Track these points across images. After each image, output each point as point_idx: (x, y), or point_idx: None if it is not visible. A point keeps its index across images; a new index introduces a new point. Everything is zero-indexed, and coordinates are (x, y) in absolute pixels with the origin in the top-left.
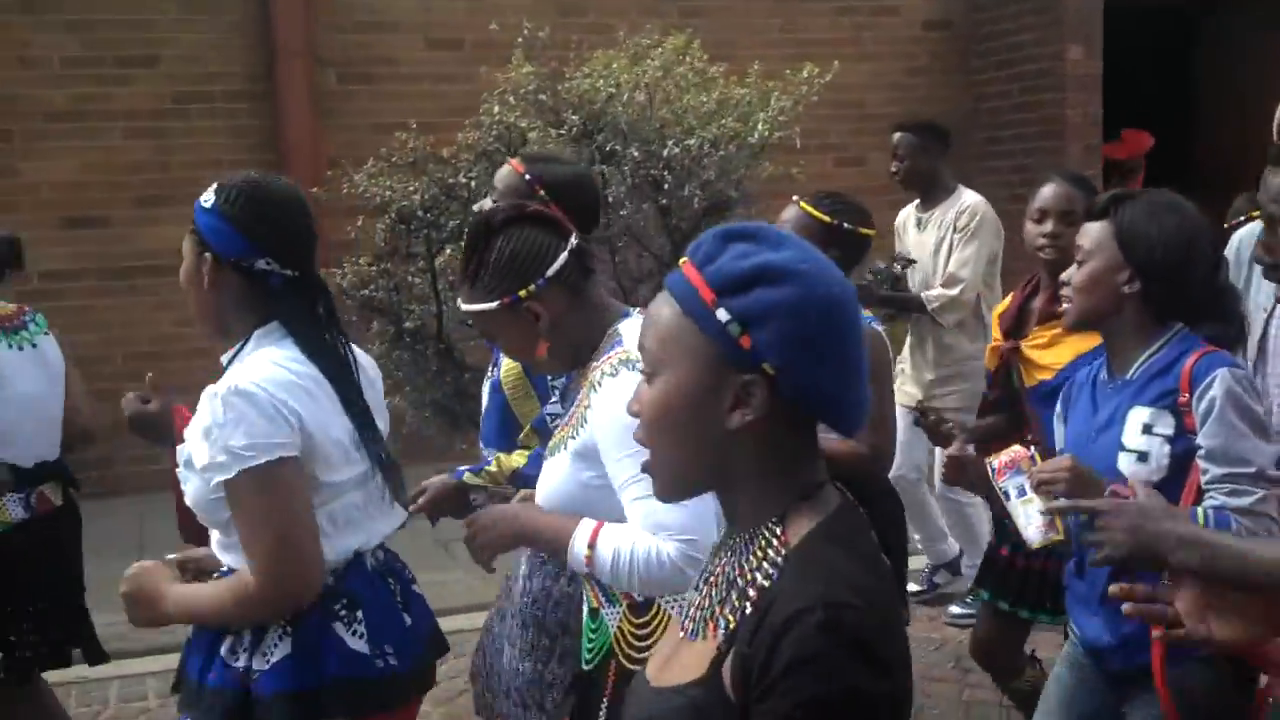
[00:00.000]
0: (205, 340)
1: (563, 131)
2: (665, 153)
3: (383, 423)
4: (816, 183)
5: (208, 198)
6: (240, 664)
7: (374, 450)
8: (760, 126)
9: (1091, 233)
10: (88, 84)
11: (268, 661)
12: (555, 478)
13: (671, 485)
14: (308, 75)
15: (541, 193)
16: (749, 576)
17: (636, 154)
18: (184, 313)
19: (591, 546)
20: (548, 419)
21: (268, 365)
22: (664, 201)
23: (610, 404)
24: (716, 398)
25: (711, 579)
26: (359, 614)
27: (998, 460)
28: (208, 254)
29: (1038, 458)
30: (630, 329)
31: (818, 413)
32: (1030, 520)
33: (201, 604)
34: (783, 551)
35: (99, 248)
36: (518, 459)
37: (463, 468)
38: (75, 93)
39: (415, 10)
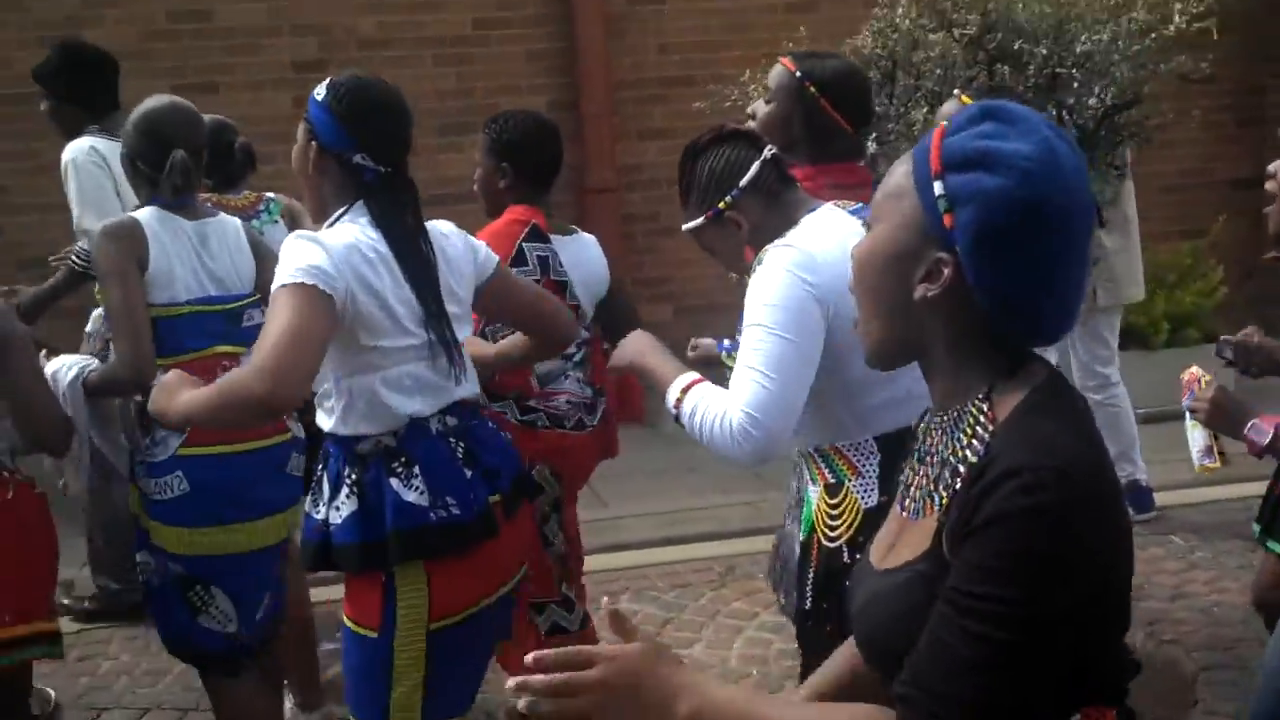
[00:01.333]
0: None
1: (959, 34)
2: (1078, 49)
3: (455, 306)
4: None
5: (320, 91)
6: (320, 515)
7: (435, 325)
8: (1175, 19)
9: None
10: (398, 12)
11: (340, 515)
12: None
13: (871, 349)
14: None
15: (811, 89)
16: (960, 454)
17: (1044, 50)
18: None
19: (680, 397)
20: None
21: (341, 232)
22: (1069, 101)
23: (753, 284)
24: (911, 265)
25: (927, 458)
26: (415, 470)
27: (1185, 375)
28: (314, 142)
29: (1203, 381)
30: (811, 220)
31: (992, 311)
32: (1194, 443)
33: (197, 401)
34: (990, 426)
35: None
36: None
37: (725, 342)
38: (384, 20)
39: None
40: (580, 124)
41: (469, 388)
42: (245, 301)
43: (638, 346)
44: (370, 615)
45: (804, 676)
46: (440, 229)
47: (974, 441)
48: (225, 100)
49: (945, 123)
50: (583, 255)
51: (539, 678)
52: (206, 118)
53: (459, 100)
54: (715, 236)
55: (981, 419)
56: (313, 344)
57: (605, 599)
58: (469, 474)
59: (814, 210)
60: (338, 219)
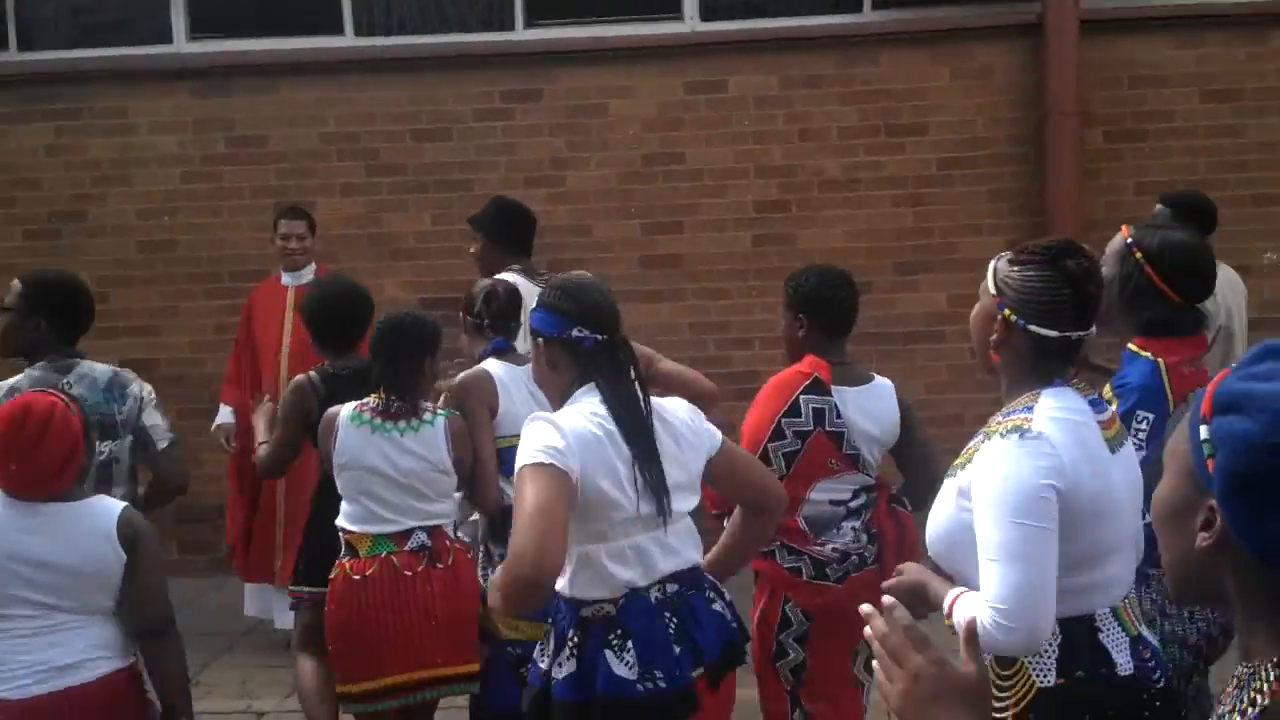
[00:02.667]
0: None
1: None
2: None
3: (679, 471)
4: None
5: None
6: (543, 665)
7: (656, 498)
8: None
9: None
10: (861, 153)
11: (561, 673)
12: (943, 500)
13: (1171, 585)
14: (1076, 134)
15: (1139, 256)
16: (1233, 718)
17: None
18: (940, 378)
19: (951, 606)
20: None
21: (573, 413)
22: None
23: (991, 466)
24: (1191, 515)
25: (1222, 707)
26: (629, 644)
27: None
28: (539, 339)
29: None
30: (1048, 401)
31: (1266, 561)
32: None
33: (497, 607)
34: (1262, 702)
35: (863, 312)
36: None
37: None
38: (849, 161)
39: (1190, 62)
40: None
41: (690, 556)
42: None
43: (913, 578)
44: None
45: None
46: (666, 404)
47: (1248, 708)
48: (688, 239)
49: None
50: (871, 404)
51: (889, 623)
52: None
53: (916, 240)
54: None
55: (1265, 688)
56: (553, 521)
57: (968, 616)
58: (678, 650)
59: (1056, 386)
60: (571, 397)
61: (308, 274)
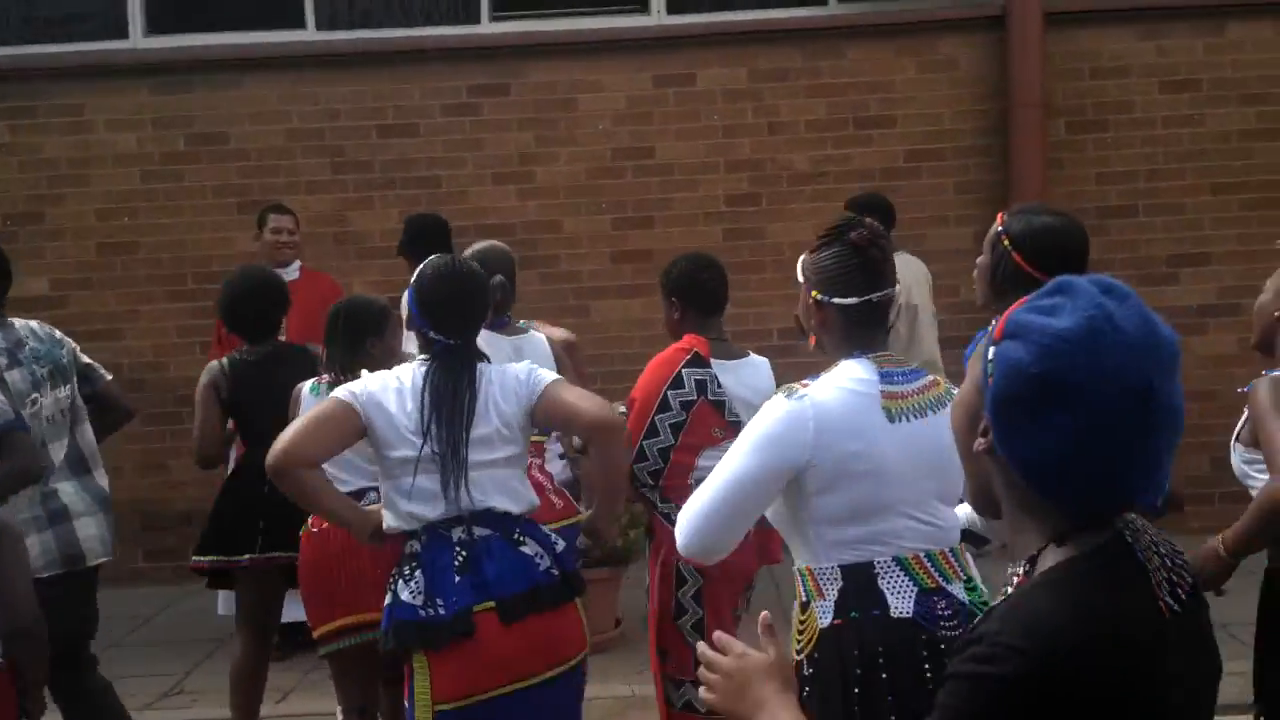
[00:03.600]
0: None
1: None
2: None
3: (496, 422)
4: None
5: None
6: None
7: (447, 446)
8: None
9: None
10: (829, 146)
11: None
12: None
13: (968, 491)
14: (1040, 125)
15: (1006, 243)
16: (984, 608)
17: None
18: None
19: None
20: None
21: (391, 372)
22: None
23: (758, 414)
24: (979, 418)
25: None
26: (418, 574)
27: None
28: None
29: None
30: (838, 370)
31: (1022, 476)
32: None
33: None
34: (1010, 589)
35: None
36: None
37: None
38: (818, 154)
39: (1150, 53)
40: None
41: (498, 502)
42: None
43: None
44: (404, 686)
45: None
46: (505, 368)
47: (997, 598)
48: (659, 234)
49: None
50: (748, 376)
51: (703, 648)
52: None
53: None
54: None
55: (1014, 581)
56: (321, 430)
57: (765, 613)
58: (456, 579)
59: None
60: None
61: (294, 270)
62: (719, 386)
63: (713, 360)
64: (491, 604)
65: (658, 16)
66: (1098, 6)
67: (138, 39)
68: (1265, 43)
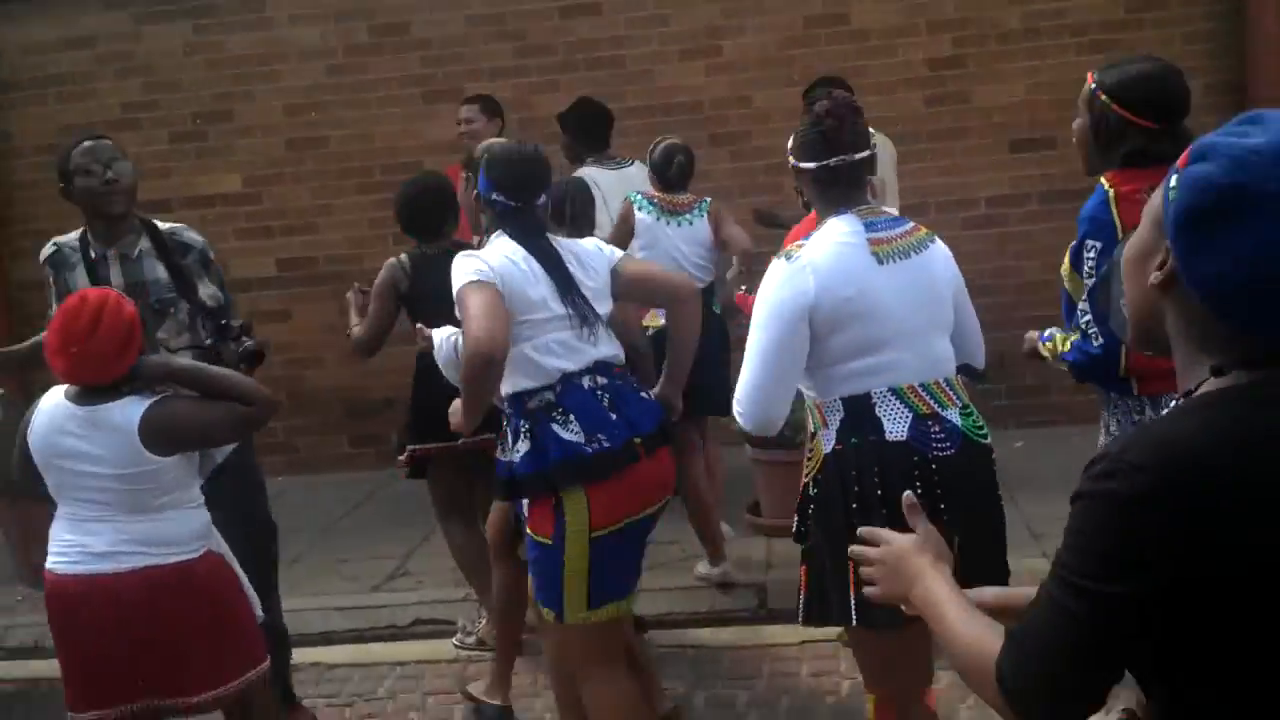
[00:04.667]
0: None
1: None
2: None
3: (591, 282)
4: None
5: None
6: (505, 458)
7: (573, 303)
8: None
9: None
10: (1040, 1)
11: (519, 456)
12: None
13: (1130, 328)
14: None
15: (1104, 97)
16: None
17: None
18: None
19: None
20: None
21: (492, 250)
22: None
23: (763, 283)
24: (1152, 256)
25: None
26: (571, 417)
27: None
28: (476, 191)
29: None
30: (826, 228)
31: (1204, 299)
32: None
33: (461, 399)
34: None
35: (1041, 170)
36: (1063, 345)
37: (1045, 333)
38: (1028, 9)
39: None
40: (1246, 107)
41: (607, 349)
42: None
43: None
44: (546, 527)
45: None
46: (573, 243)
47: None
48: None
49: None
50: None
51: (855, 549)
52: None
53: None
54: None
55: (1168, 407)
56: (501, 312)
57: (907, 492)
58: (614, 417)
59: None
60: (490, 240)
61: None
62: None
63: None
64: (639, 439)
65: None
66: None
67: None
68: None
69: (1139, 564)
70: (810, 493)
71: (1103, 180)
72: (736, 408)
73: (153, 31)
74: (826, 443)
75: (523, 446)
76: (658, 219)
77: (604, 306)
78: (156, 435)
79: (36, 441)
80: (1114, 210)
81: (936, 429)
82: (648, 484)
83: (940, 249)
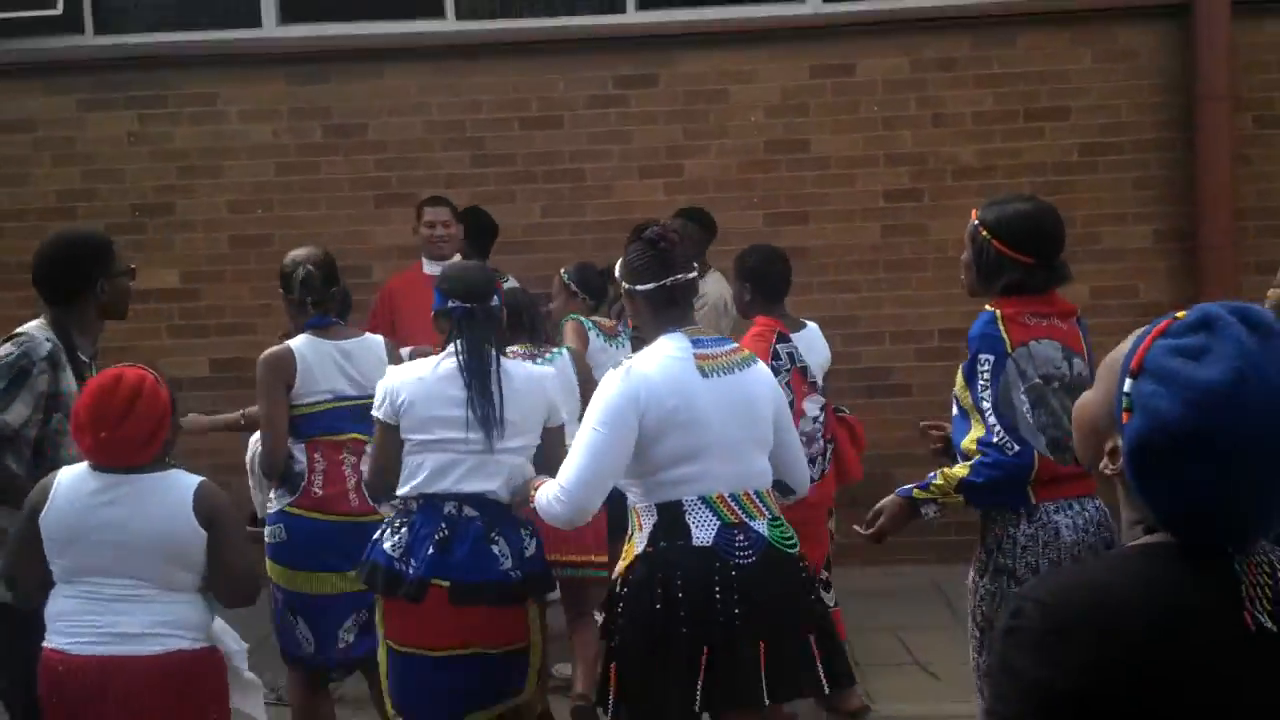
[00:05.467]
0: None
1: None
2: None
3: (513, 411)
4: None
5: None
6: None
7: (485, 424)
8: None
9: None
10: (998, 139)
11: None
12: None
13: (1083, 463)
14: (1228, 120)
15: (985, 233)
16: None
17: None
18: None
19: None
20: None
21: (418, 364)
22: None
23: (599, 387)
24: (1103, 437)
25: None
26: (403, 530)
27: None
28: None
29: None
30: (657, 345)
31: (1147, 505)
32: None
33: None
34: None
35: None
36: (960, 470)
37: (907, 486)
38: (985, 148)
39: None
40: (1196, 255)
41: (493, 489)
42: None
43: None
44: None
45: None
46: (513, 365)
47: None
48: (814, 230)
49: (1171, 319)
50: (813, 341)
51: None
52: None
53: None
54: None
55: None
56: (390, 453)
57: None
58: (430, 552)
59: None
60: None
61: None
62: (801, 356)
63: (790, 334)
64: (447, 583)
65: (814, 4)
66: None
67: (271, 28)
68: None
69: (1048, 702)
70: (619, 590)
71: (988, 305)
72: (558, 495)
73: (96, 119)
74: (639, 544)
75: (379, 533)
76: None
77: (516, 440)
78: (202, 507)
79: (61, 516)
80: (1002, 328)
81: (741, 537)
82: (443, 628)
83: (762, 370)
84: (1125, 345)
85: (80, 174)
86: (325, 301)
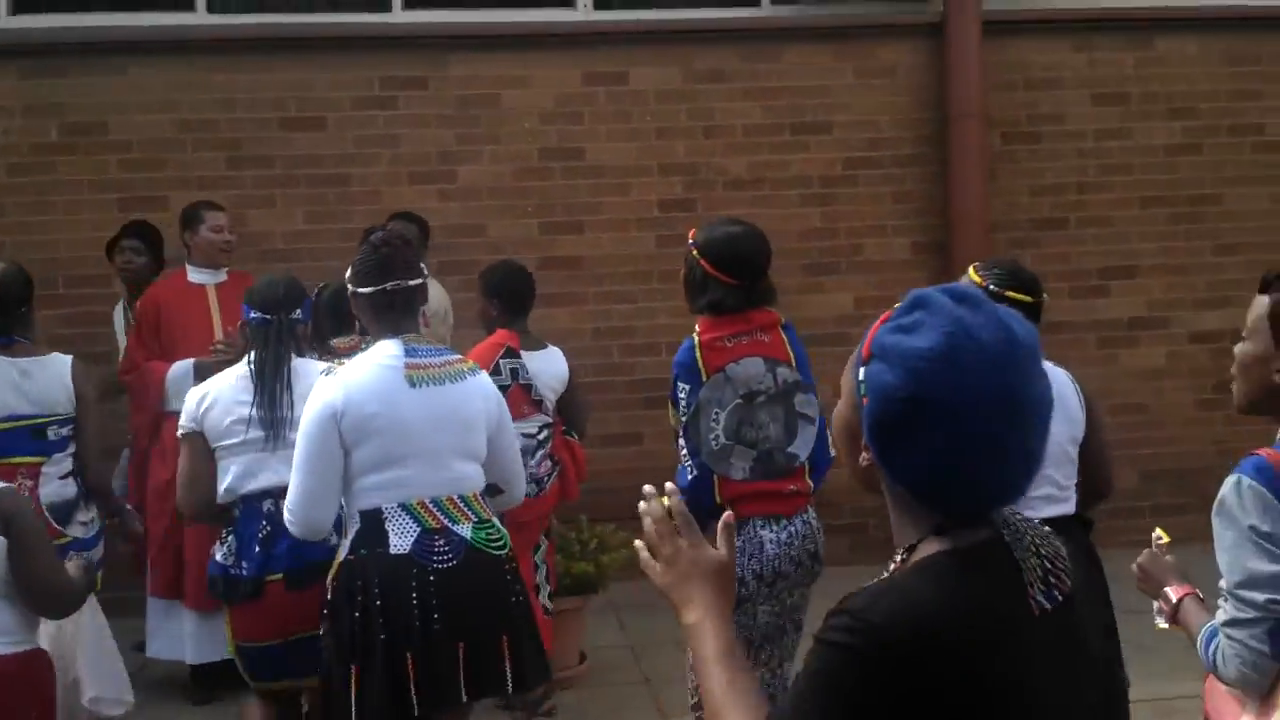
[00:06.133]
0: None
1: None
2: None
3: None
4: None
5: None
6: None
7: (269, 425)
8: None
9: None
10: (766, 151)
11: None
12: None
13: (857, 481)
14: (979, 136)
15: (695, 253)
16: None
17: None
18: None
19: None
20: None
21: (222, 375)
22: None
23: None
24: (856, 435)
25: None
26: (230, 538)
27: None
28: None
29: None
30: (373, 349)
31: (903, 486)
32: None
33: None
34: (887, 573)
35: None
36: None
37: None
38: (755, 160)
39: (1082, 65)
40: (950, 266)
41: (279, 478)
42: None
43: None
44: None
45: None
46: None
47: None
48: (589, 240)
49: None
50: (549, 363)
51: (657, 509)
52: None
53: (823, 240)
54: None
55: (892, 566)
56: (198, 465)
57: (728, 512)
58: (257, 550)
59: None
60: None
61: (224, 272)
62: (527, 373)
63: (522, 351)
64: (280, 575)
65: (585, 11)
66: (1035, 17)
67: (3, 18)
68: (1190, 58)
69: (873, 714)
70: (325, 596)
71: (695, 330)
72: (287, 515)
73: None
74: (342, 552)
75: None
76: None
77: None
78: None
79: None
80: (699, 356)
81: (441, 542)
82: (288, 615)
83: (481, 382)
84: (853, 363)
85: None
86: (11, 322)
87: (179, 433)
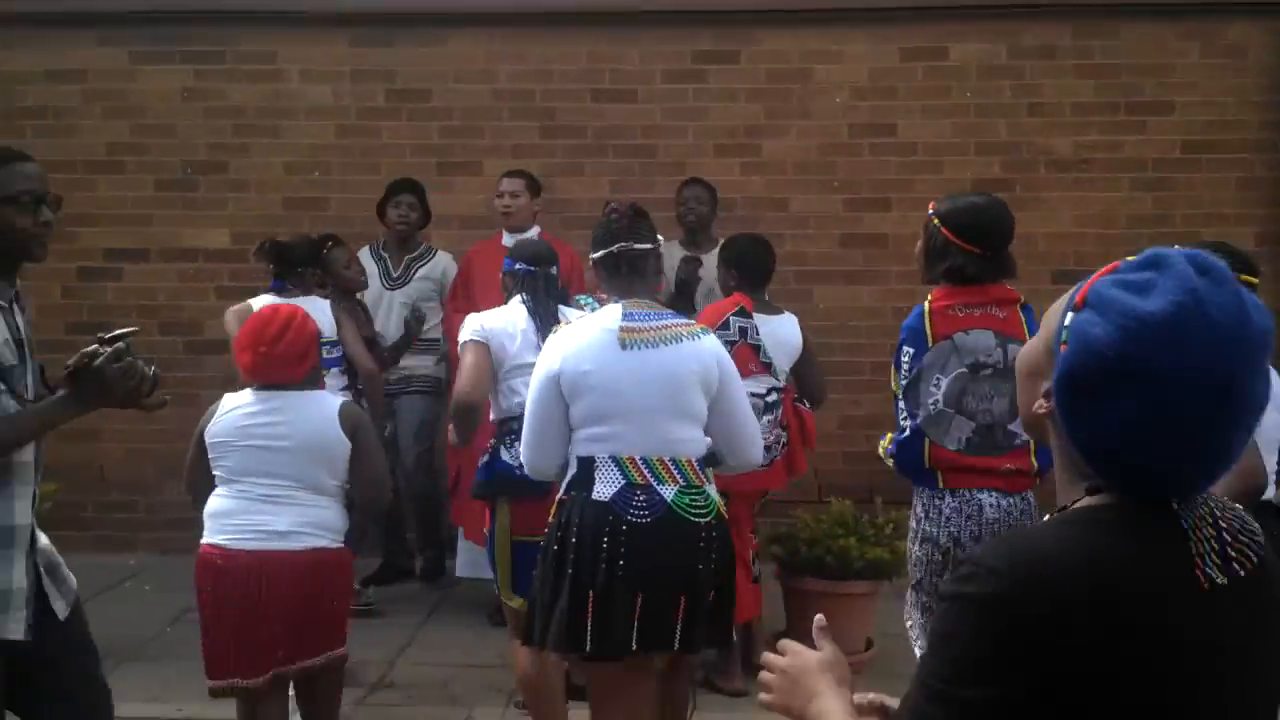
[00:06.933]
0: None
1: None
2: None
3: None
4: None
5: None
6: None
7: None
8: None
9: None
10: (1095, 131)
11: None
12: None
13: (1021, 423)
14: None
15: (935, 221)
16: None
17: None
18: None
19: None
20: None
21: (495, 312)
22: None
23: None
24: (1041, 376)
25: None
26: (516, 445)
27: None
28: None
29: None
30: (601, 312)
31: (1075, 445)
32: None
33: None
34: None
35: None
36: (885, 441)
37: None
38: (1083, 140)
39: None
40: None
41: None
42: None
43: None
44: (487, 524)
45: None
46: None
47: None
48: (895, 218)
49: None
50: (781, 329)
51: (766, 656)
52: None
53: (1155, 227)
54: None
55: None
56: (482, 368)
57: (819, 615)
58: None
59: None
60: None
61: (530, 235)
62: (757, 334)
63: (755, 314)
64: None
65: None
66: None
67: None
68: None
69: (993, 668)
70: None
71: (928, 298)
72: (520, 462)
73: (149, 72)
74: (560, 491)
75: (484, 459)
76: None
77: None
78: (347, 421)
79: (223, 427)
80: (927, 323)
81: (642, 497)
82: (548, 510)
83: (702, 345)
84: (1061, 304)
85: (130, 127)
86: (288, 273)
87: (464, 339)
